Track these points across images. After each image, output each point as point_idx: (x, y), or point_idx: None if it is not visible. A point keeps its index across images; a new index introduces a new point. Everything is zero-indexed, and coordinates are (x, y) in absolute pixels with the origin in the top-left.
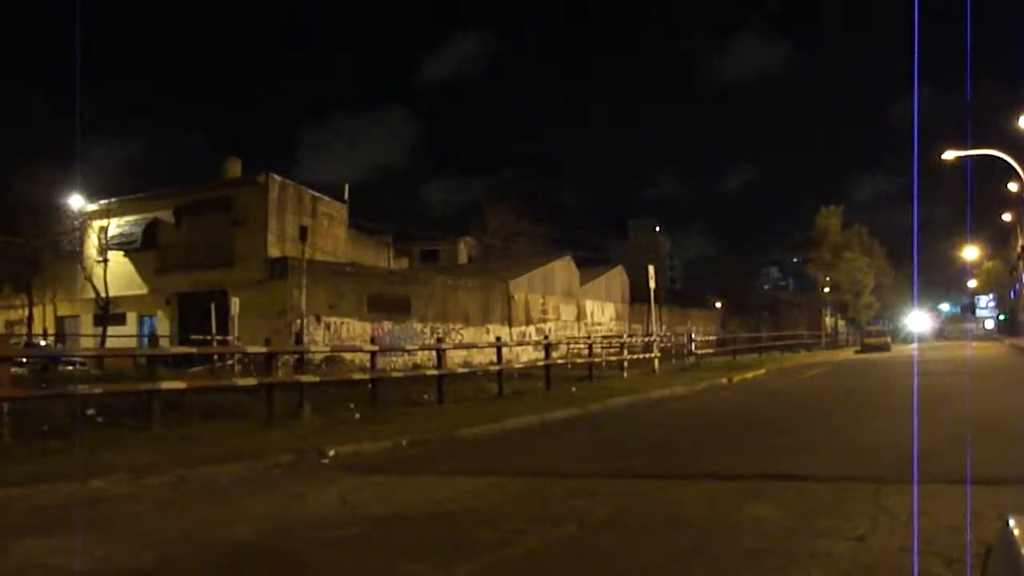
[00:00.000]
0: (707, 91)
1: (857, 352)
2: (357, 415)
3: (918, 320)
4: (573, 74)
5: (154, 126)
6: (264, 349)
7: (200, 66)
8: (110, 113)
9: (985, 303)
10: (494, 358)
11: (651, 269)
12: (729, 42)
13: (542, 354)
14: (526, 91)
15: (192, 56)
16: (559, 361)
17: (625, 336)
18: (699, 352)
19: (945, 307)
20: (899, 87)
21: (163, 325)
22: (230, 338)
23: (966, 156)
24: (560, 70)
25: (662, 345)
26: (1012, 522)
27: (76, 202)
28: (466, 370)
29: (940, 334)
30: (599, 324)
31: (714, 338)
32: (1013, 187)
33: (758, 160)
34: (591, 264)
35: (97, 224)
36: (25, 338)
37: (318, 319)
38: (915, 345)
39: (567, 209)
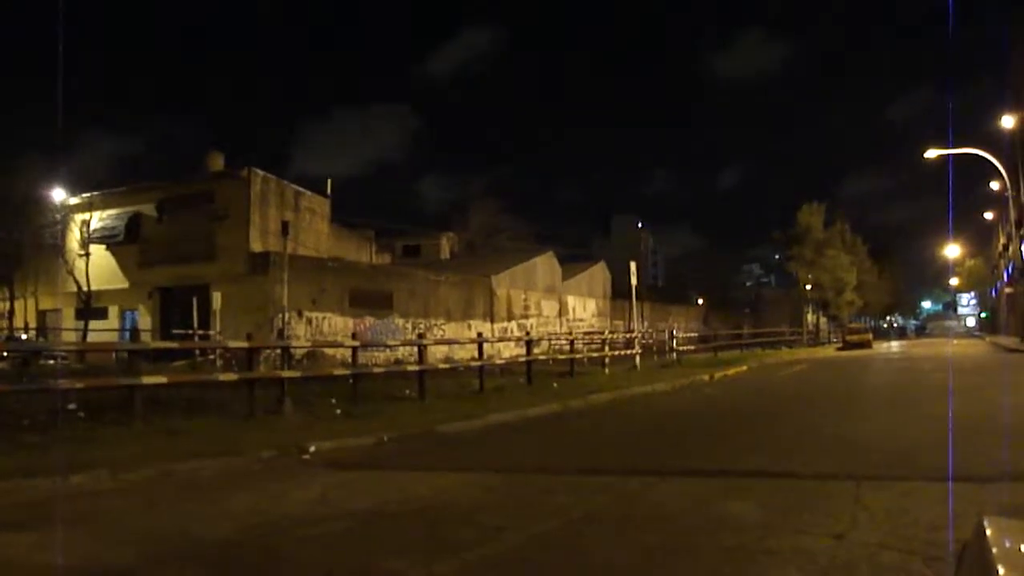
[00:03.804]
0: (700, 90)
1: (839, 349)
2: (338, 411)
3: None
4: (569, 73)
5: (146, 120)
6: (246, 344)
7: (195, 60)
8: (101, 107)
9: (967, 301)
10: (476, 354)
11: (633, 265)
12: (725, 43)
13: (524, 350)
14: (523, 88)
15: (187, 50)
16: (541, 357)
17: (607, 332)
18: (681, 348)
19: (927, 304)
20: (891, 87)
21: (145, 319)
22: (212, 333)
23: (949, 155)
24: (556, 68)
25: (644, 341)
26: (986, 521)
27: (58, 195)
28: (448, 366)
29: (922, 331)
30: (581, 320)
31: (696, 334)
32: (995, 185)
33: (745, 158)
34: (574, 260)
35: (79, 217)
36: (6, 332)
37: (300, 314)
38: (897, 342)
39: (558, 205)
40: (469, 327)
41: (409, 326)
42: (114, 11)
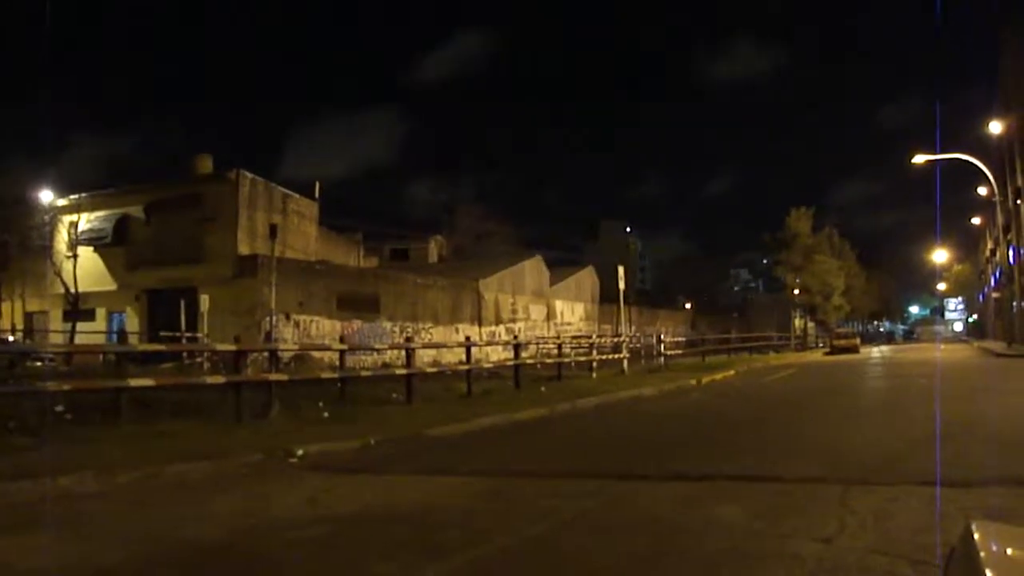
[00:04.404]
0: (693, 95)
1: (826, 354)
2: (326, 414)
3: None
4: (560, 77)
5: (135, 122)
6: (233, 347)
7: (186, 62)
8: (90, 108)
9: (954, 306)
10: (463, 357)
11: (621, 270)
12: (718, 48)
13: (511, 354)
14: (513, 92)
15: (177, 51)
16: (528, 361)
17: (594, 336)
18: (668, 353)
19: (915, 309)
20: (882, 93)
21: (132, 321)
22: (199, 335)
23: (937, 160)
24: (548, 72)
25: (631, 346)
26: (974, 525)
27: (46, 196)
28: (435, 369)
29: (909, 336)
30: (569, 324)
31: (683, 339)
32: (983, 191)
33: (736, 163)
34: (562, 264)
35: (67, 219)
36: None
37: (287, 317)
38: (884, 347)
39: (547, 209)
40: (457, 331)
41: (397, 330)
42: (104, 11)
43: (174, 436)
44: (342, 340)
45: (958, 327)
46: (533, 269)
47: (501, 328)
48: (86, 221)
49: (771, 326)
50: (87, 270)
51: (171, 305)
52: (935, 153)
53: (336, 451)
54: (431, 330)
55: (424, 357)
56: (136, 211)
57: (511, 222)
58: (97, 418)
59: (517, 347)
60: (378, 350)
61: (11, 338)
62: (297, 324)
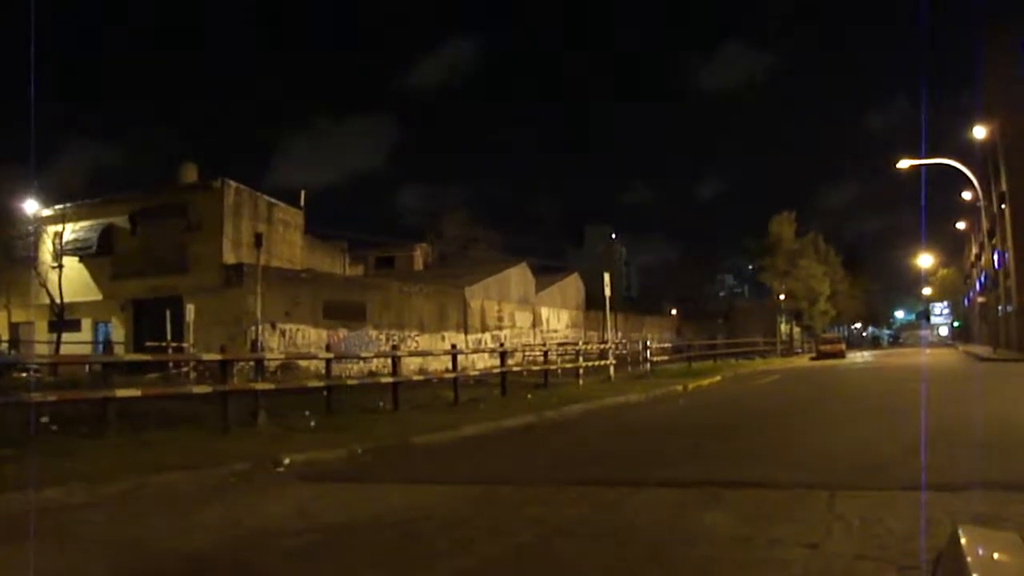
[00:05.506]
0: (681, 101)
1: (812, 359)
2: (312, 423)
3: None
4: (549, 85)
5: (122, 130)
6: (219, 357)
7: (174, 71)
8: (76, 116)
9: (939, 310)
10: (450, 365)
11: (607, 276)
12: (707, 55)
13: (498, 361)
14: (500, 99)
15: (165, 61)
16: (515, 368)
17: (580, 343)
18: (654, 359)
19: (900, 314)
20: (870, 98)
21: (118, 332)
22: (185, 345)
23: (922, 165)
24: (536, 80)
25: (617, 352)
26: (960, 530)
27: (31, 207)
28: (421, 377)
29: (895, 341)
30: (555, 331)
31: (669, 345)
32: (967, 195)
33: (723, 169)
34: (547, 271)
35: (52, 229)
36: None
37: (273, 326)
38: (870, 352)
39: (535, 214)
40: (443, 339)
41: (383, 338)
42: (91, 19)
43: (161, 446)
44: (328, 349)
45: (944, 332)
46: (519, 276)
47: (487, 336)
48: (71, 231)
49: (757, 331)
50: (72, 280)
51: (157, 315)
52: (921, 157)
53: (323, 460)
54: (417, 338)
55: (410, 365)
56: (121, 221)
57: (497, 228)
58: (83, 429)
59: (503, 354)
60: (364, 358)
61: None
62: (283, 333)
